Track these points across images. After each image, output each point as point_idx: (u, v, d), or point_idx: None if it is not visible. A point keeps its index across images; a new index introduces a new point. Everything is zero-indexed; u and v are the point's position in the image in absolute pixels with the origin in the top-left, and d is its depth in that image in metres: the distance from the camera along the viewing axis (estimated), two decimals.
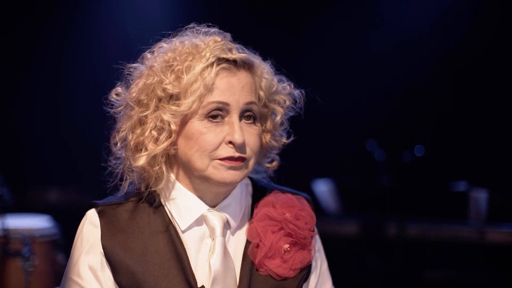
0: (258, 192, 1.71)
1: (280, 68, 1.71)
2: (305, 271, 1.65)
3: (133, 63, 1.64)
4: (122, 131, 1.60)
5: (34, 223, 3.65)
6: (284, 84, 1.70)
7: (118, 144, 1.62)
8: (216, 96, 1.53)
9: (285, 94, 1.69)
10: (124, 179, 1.62)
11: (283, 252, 1.61)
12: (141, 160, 1.56)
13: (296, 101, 1.71)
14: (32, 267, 3.40)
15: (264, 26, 5.15)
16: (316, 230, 1.72)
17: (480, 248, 4.43)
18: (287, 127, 1.72)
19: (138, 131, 1.58)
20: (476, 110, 5.19)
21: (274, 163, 1.75)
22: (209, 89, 1.52)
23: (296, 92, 1.71)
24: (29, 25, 5.28)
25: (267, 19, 5.27)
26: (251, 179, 1.74)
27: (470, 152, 5.12)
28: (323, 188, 4.93)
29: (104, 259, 1.57)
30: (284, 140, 1.73)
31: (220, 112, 1.54)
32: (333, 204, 4.98)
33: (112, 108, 1.64)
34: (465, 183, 4.45)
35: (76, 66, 5.39)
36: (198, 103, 1.52)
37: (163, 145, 1.55)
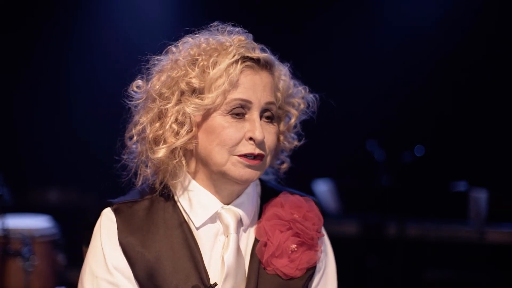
0: (267, 193, 1.73)
1: (296, 72, 1.74)
2: (311, 272, 1.66)
3: (157, 55, 1.66)
4: (140, 124, 1.62)
5: (34, 223, 3.65)
6: (299, 88, 1.73)
7: (134, 138, 1.64)
8: (240, 94, 1.56)
9: (299, 97, 1.73)
10: (139, 174, 1.64)
11: (290, 251, 1.63)
12: (161, 152, 1.58)
13: (309, 105, 1.74)
14: (32, 267, 3.40)
15: (264, 26, 5.13)
16: (324, 232, 1.73)
17: (480, 248, 4.42)
18: (299, 130, 1.76)
19: (157, 124, 1.59)
20: (476, 110, 5.19)
21: (285, 165, 1.78)
22: (233, 85, 1.55)
23: (310, 97, 1.74)
24: (29, 25, 5.28)
25: (267, 19, 5.27)
26: (260, 180, 1.76)
27: (470, 152, 5.12)
28: (323, 188, 4.93)
29: (123, 255, 1.59)
30: (295, 142, 1.76)
31: (242, 109, 1.56)
32: (333, 204, 4.98)
33: (131, 101, 1.65)
34: (465, 183, 4.45)
35: (76, 66, 5.39)
36: (222, 98, 1.55)
37: (184, 138, 1.57)
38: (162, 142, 1.59)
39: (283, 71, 1.69)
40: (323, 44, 5.41)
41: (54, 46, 5.36)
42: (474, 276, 4.46)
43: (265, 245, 1.62)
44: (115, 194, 1.69)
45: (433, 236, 4.49)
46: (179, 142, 1.57)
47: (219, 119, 1.56)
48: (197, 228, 1.62)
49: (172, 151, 1.59)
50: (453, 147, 5.20)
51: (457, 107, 5.23)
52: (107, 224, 1.62)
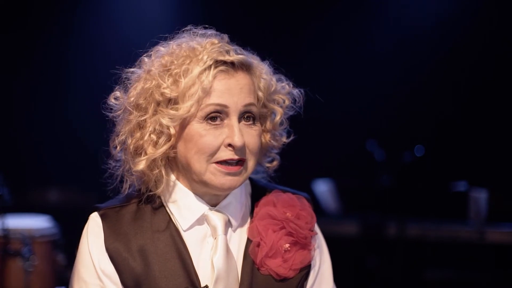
0: (258, 192, 1.71)
1: (279, 68, 1.70)
2: (305, 271, 1.65)
3: (131, 67, 1.64)
4: (122, 134, 1.60)
5: (34, 223, 3.65)
6: (283, 84, 1.70)
7: (118, 147, 1.62)
8: (214, 98, 1.53)
9: (284, 93, 1.69)
10: (124, 181, 1.63)
11: (283, 251, 1.61)
12: (141, 164, 1.56)
13: (295, 100, 1.71)
14: (32, 267, 3.40)
15: (264, 26, 5.15)
16: (317, 229, 1.72)
17: (480, 248, 4.42)
18: (287, 126, 1.72)
19: (137, 135, 1.58)
20: (476, 110, 5.19)
21: (275, 163, 1.75)
22: (207, 92, 1.52)
23: (296, 91, 1.71)
24: (29, 25, 5.28)
25: (267, 19, 5.27)
26: (249, 179, 1.74)
27: (470, 152, 5.12)
28: (323, 188, 4.93)
29: (110, 260, 1.58)
30: (284, 139, 1.73)
31: (219, 115, 1.54)
32: (333, 204, 4.97)
33: (111, 112, 1.64)
34: (465, 183, 4.45)
35: (76, 66, 5.40)
36: (197, 107, 1.52)
37: (163, 149, 1.55)
38: (143, 153, 1.57)
39: (263, 69, 1.64)
40: (323, 44, 5.41)
41: (54, 46, 5.36)
42: (474, 276, 4.46)
43: (258, 245, 1.61)
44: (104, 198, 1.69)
45: (433, 236, 4.49)
46: (158, 152, 1.55)
47: (196, 127, 1.53)
48: (185, 231, 1.61)
49: (154, 161, 1.57)
50: (453, 147, 5.20)
51: (457, 107, 5.22)
52: (93, 229, 1.61)
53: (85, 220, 1.65)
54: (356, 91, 5.25)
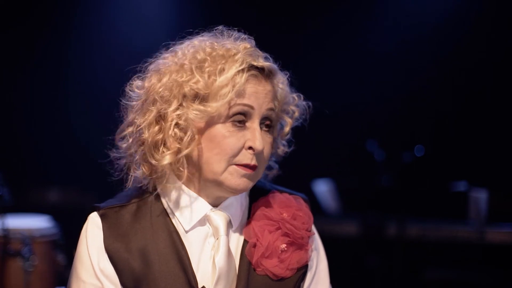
0: (255, 192, 1.71)
1: (294, 81, 1.72)
2: (302, 271, 1.65)
3: (159, 54, 1.63)
4: (137, 125, 1.58)
5: (34, 223, 3.65)
6: (293, 95, 1.72)
7: (130, 140, 1.61)
8: (243, 99, 1.54)
9: (294, 104, 1.72)
10: (130, 176, 1.62)
11: (280, 252, 1.61)
12: (166, 159, 1.55)
13: (302, 111, 1.73)
14: (32, 267, 3.40)
15: (264, 26, 5.14)
16: (314, 230, 1.72)
17: (480, 248, 4.42)
18: (290, 137, 1.75)
19: (156, 128, 1.56)
20: (476, 110, 5.19)
21: (274, 171, 1.78)
22: (238, 93, 1.53)
23: (303, 104, 1.73)
24: (29, 25, 5.28)
25: (266, 19, 5.27)
26: None
27: (470, 152, 5.12)
28: (323, 188, 4.93)
29: (109, 261, 1.58)
30: (286, 149, 1.76)
31: (243, 117, 1.55)
32: (333, 204, 4.98)
33: (128, 101, 1.62)
34: (465, 183, 4.45)
35: (76, 66, 5.39)
36: (226, 107, 1.53)
37: (191, 146, 1.54)
38: (162, 147, 1.56)
39: (281, 79, 1.67)
40: (323, 44, 5.41)
41: (54, 46, 5.36)
42: (474, 276, 4.46)
43: (255, 246, 1.61)
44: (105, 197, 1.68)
45: (433, 236, 4.49)
46: (187, 150, 1.54)
47: (220, 127, 1.54)
48: (186, 232, 1.61)
49: (179, 157, 1.56)
50: (453, 147, 5.20)
51: (457, 107, 5.23)
52: (93, 229, 1.60)
53: (84, 219, 1.64)
54: (356, 91, 5.25)
